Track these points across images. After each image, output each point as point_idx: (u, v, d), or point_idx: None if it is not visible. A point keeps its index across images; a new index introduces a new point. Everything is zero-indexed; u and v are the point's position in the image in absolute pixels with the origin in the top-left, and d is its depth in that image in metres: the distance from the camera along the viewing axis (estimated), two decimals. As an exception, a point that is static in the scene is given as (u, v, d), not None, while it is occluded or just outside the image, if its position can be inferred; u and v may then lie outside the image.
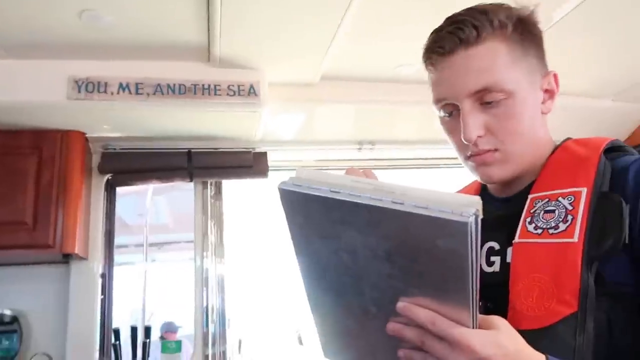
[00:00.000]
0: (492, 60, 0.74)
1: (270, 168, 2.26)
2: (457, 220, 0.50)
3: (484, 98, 0.74)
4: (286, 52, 1.83)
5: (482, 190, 0.88)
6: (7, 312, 1.92)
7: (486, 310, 0.69)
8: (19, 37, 1.66)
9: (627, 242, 0.66)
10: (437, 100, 0.79)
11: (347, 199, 0.55)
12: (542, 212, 0.72)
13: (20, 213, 1.84)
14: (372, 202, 0.54)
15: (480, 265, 0.78)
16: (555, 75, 0.81)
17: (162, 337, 2.67)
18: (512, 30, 0.75)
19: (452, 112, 0.78)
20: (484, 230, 0.82)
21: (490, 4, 0.76)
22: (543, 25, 0.81)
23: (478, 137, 0.75)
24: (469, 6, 0.77)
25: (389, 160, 2.49)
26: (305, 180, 0.59)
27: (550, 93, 0.80)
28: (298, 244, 0.67)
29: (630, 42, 1.87)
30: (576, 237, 0.67)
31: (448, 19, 0.77)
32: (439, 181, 2.83)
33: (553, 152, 0.80)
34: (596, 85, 2.21)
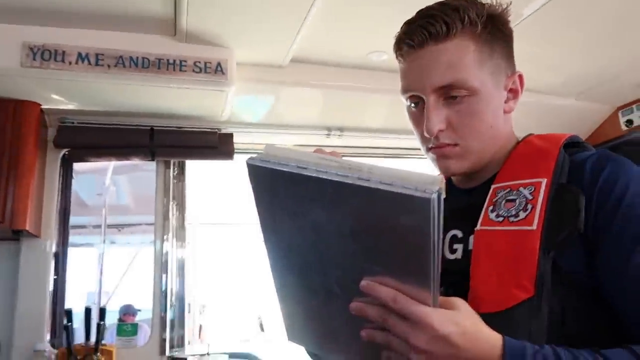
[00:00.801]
0: (460, 57, 0.75)
1: (236, 150, 2.21)
2: (420, 197, 0.51)
3: (449, 93, 0.76)
4: (256, 31, 1.78)
5: (447, 182, 0.91)
6: (-50, 290, 1.83)
7: (447, 296, 0.70)
8: (-31, -3, 1.56)
9: (582, 231, 0.68)
10: (404, 91, 0.81)
11: (314, 175, 0.55)
12: (504, 201, 0.74)
13: (-33, 185, 1.74)
14: (338, 178, 0.54)
15: (443, 252, 0.80)
16: (520, 76, 0.83)
17: (120, 320, 2.61)
18: (482, 29, 0.77)
19: (417, 103, 0.80)
20: (448, 220, 0.83)
21: (463, 0, 0.78)
22: (512, 21, 0.82)
23: (439, 130, 0.77)
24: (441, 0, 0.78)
25: (357, 148, 2.48)
26: (273, 156, 0.59)
27: (514, 93, 0.82)
28: (264, 221, 0.67)
29: (596, 43, 1.91)
30: (535, 225, 0.69)
31: (420, 12, 0.78)
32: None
33: (516, 146, 0.82)
34: (561, 84, 2.25)
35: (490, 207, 0.75)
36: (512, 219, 0.72)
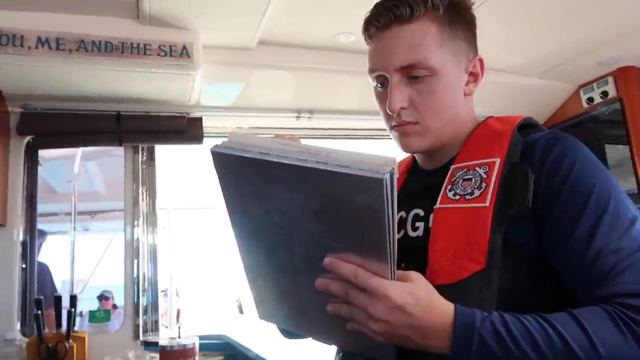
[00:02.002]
0: (422, 38, 0.80)
1: (205, 134, 2.20)
2: (372, 177, 0.55)
3: (411, 73, 0.80)
4: (221, 13, 1.76)
5: (413, 163, 0.97)
6: None
7: (407, 270, 0.74)
8: None
9: (530, 207, 0.72)
10: (371, 71, 0.85)
11: (275, 160, 0.59)
12: (461, 180, 0.79)
13: None
14: (298, 163, 0.58)
15: (406, 230, 0.85)
16: (481, 60, 0.87)
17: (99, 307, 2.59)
18: (444, 13, 0.81)
19: (383, 83, 0.84)
20: (411, 199, 0.87)
21: None
22: (476, 2, 0.86)
23: (401, 109, 0.82)
24: None
25: (327, 130, 2.49)
26: (236, 143, 0.62)
27: (475, 76, 0.87)
28: (231, 206, 0.71)
29: (558, 22, 1.94)
30: (488, 202, 0.74)
31: None
32: (374, 151, 2.88)
33: (475, 128, 0.87)
34: (526, 64, 2.29)
35: (449, 187, 0.80)
36: (467, 197, 0.76)
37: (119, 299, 2.67)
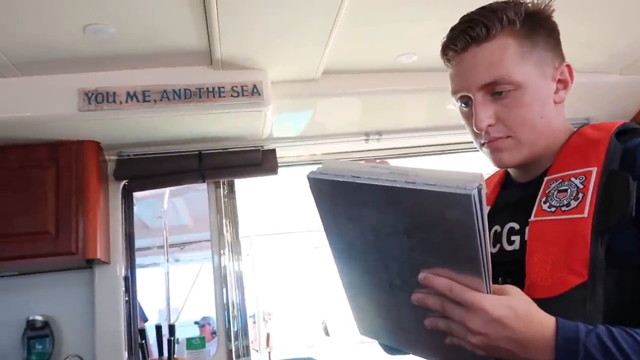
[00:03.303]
0: (501, 54, 0.80)
1: (279, 164, 2.30)
2: (460, 193, 0.56)
3: (494, 89, 0.80)
4: (286, 49, 1.86)
5: (506, 177, 0.96)
6: (39, 317, 2.02)
7: (505, 284, 0.73)
8: (28, 55, 1.74)
9: (633, 215, 0.70)
10: (454, 92, 0.86)
11: (367, 182, 0.62)
12: (556, 191, 0.77)
13: (43, 223, 1.92)
14: (388, 183, 0.61)
15: (502, 244, 0.84)
16: (568, 66, 0.85)
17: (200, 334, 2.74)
18: (521, 26, 0.80)
19: (467, 103, 0.85)
20: (506, 213, 0.88)
21: (501, 2, 0.83)
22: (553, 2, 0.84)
23: (489, 125, 0.81)
24: (481, 5, 0.84)
25: (396, 149, 2.51)
26: (330, 169, 0.67)
27: (564, 83, 0.85)
28: (328, 227, 0.75)
29: (632, 13, 1.84)
30: (586, 212, 0.71)
31: (462, 18, 0.84)
32: (447, 166, 2.84)
33: (569, 138, 0.84)
34: (603, 60, 2.19)
35: (543, 199, 0.78)
36: (564, 208, 0.74)
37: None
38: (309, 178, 0.68)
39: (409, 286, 0.69)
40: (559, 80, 0.84)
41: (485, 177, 1.01)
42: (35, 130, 1.93)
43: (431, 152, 2.56)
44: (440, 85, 2.25)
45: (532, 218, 0.78)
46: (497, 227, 0.86)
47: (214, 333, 2.50)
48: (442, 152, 2.56)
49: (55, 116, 1.86)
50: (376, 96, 2.17)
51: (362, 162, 0.69)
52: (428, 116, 2.33)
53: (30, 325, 2.00)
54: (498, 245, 0.84)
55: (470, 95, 0.82)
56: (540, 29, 0.82)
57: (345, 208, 0.69)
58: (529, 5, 0.82)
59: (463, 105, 0.86)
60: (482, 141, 0.84)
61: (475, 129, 0.82)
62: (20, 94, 1.84)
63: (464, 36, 0.81)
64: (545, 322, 0.64)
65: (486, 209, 0.58)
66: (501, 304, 0.63)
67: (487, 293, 0.64)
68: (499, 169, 0.96)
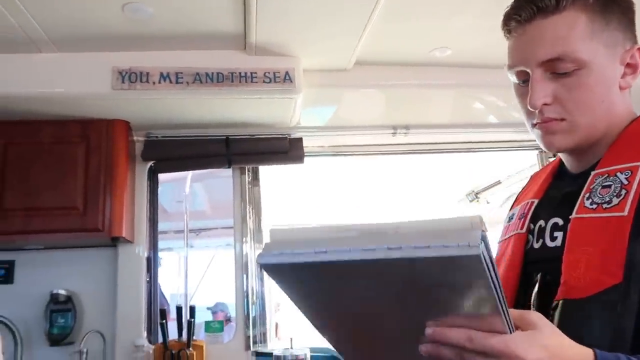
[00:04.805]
0: (569, 29, 0.73)
1: (305, 153, 2.30)
2: (466, 255, 0.45)
3: (556, 67, 0.74)
4: (321, 38, 1.85)
5: (560, 166, 0.89)
6: (62, 292, 2.04)
7: (544, 281, 0.71)
8: (66, 31, 1.75)
9: None
10: (510, 67, 0.80)
11: (337, 259, 0.49)
12: (600, 187, 0.73)
13: (71, 199, 1.94)
14: (365, 256, 0.47)
15: (544, 240, 0.80)
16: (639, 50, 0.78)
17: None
18: (594, 0, 0.74)
19: (525, 80, 0.78)
20: (551, 207, 0.82)
21: None
22: None
23: (544, 105, 0.75)
24: None
25: (423, 145, 2.49)
26: (283, 244, 0.52)
27: (633, 68, 0.78)
28: (302, 308, 0.62)
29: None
30: (626, 211, 0.67)
31: None
32: (473, 166, 2.81)
33: (627, 127, 0.78)
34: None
35: (587, 195, 0.74)
36: (605, 205, 0.70)
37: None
38: (260, 265, 0.53)
39: (412, 335, 0.58)
40: (628, 64, 0.78)
41: (533, 171, 0.96)
42: (68, 107, 1.94)
43: (457, 150, 2.53)
44: (472, 82, 2.22)
45: (573, 215, 0.74)
46: (541, 222, 0.82)
47: (227, 320, 2.52)
48: (469, 150, 2.53)
49: (88, 93, 1.88)
50: (407, 89, 2.16)
51: (317, 226, 0.55)
52: (455, 112, 2.30)
53: (54, 298, 2.02)
54: (541, 241, 0.80)
55: (529, 70, 0.76)
56: (614, 6, 0.76)
57: (318, 288, 0.57)
58: None
59: (520, 82, 0.79)
60: (535, 121, 0.78)
61: (529, 107, 0.76)
62: (56, 70, 1.85)
63: (531, 6, 0.74)
64: (583, 357, 0.58)
65: (494, 255, 0.49)
66: (533, 345, 0.55)
67: (510, 331, 0.55)
68: (554, 159, 0.91)
